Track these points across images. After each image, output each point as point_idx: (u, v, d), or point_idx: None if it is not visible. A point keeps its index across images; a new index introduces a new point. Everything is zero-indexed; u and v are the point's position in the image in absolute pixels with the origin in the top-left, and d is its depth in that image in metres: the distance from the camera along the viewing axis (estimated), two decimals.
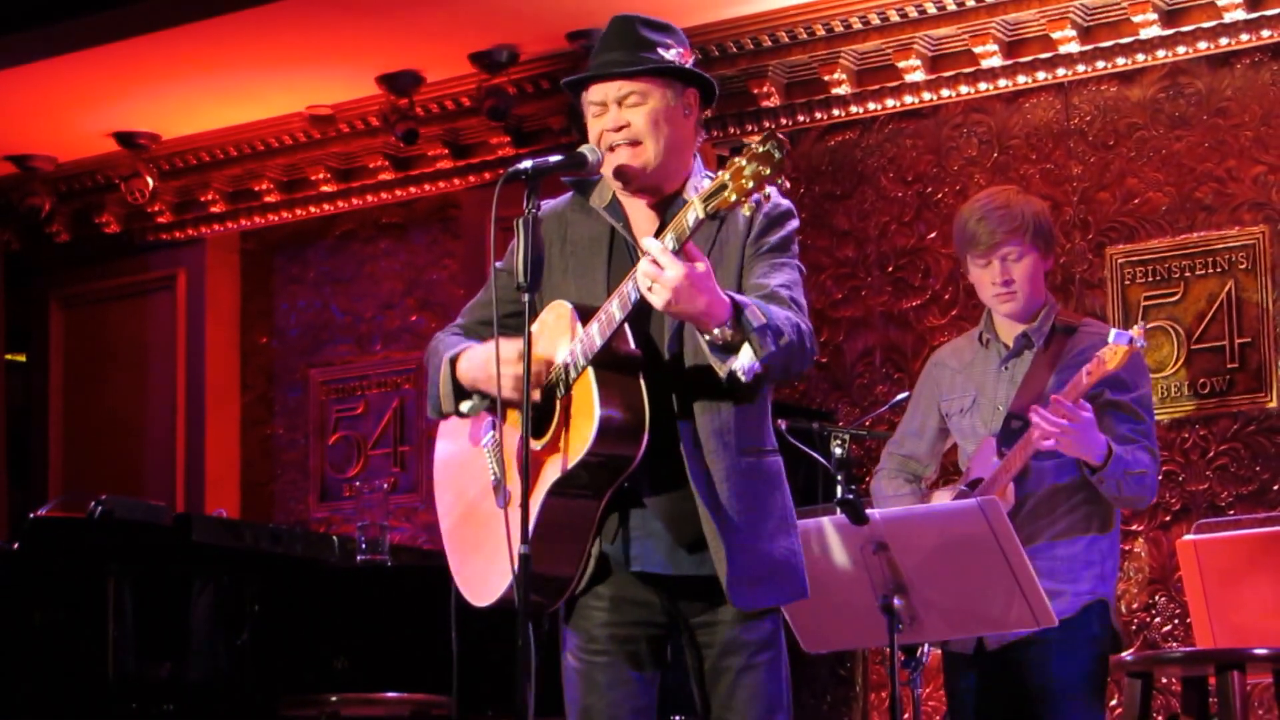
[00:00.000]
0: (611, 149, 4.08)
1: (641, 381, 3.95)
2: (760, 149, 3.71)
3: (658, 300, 3.81)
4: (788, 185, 4.09)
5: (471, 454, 4.25)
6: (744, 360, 3.86)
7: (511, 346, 3.96)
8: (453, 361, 4.15)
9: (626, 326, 3.95)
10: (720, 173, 3.76)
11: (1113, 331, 5.15)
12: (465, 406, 4.17)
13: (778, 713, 4.07)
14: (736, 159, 3.74)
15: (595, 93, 4.11)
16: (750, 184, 3.71)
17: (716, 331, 3.85)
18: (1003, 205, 5.44)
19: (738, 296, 3.88)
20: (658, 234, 3.92)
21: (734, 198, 3.73)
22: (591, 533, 4.04)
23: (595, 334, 3.95)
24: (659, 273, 3.80)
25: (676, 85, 4.10)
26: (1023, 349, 5.40)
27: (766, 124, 7.76)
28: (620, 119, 4.07)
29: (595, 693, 4.10)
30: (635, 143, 4.06)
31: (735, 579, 3.97)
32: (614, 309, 3.93)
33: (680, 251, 3.81)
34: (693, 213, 3.79)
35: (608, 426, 3.90)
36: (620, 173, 4.07)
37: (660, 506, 4.03)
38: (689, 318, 3.86)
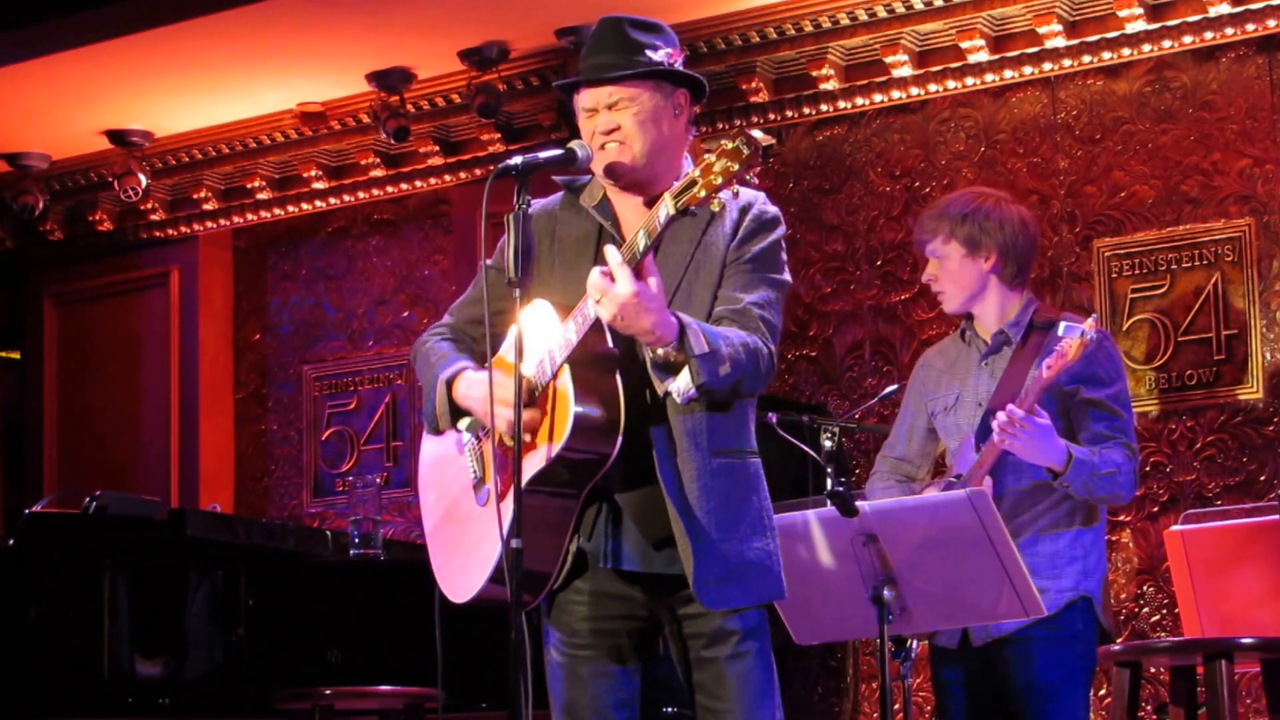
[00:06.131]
0: (602, 147, 4.10)
1: (617, 379, 3.98)
2: (730, 145, 3.74)
3: (604, 314, 3.86)
4: (756, 180, 4.12)
5: (454, 454, 4.27)
6: (681, 384, 3.92)
7: (507, 386, 3.97)
8: (448, 383, 4.18)
9: (605, 324, 3.97)
10: (692, 169, 3.80)
11: (1062, 324, 5.13)
12: (464, 424, 4.21)
13: (767, 698, 4.08)
14: (707, 155, 3.77)
15: (586, 98, 4.12)
16: (719, 180, 3.75)
17: (660, 351, 3.91)
18: (936, 204, 5.48)
19: (686, 319, 3.91)
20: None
21: (703, 193, 3.76)
22: (570, 529, 4.07)
23: (572, 332, 3.98)
24: (609, 286, 3.85)
25: (665, 86, 4.12)
26: (1001, 345, 5.35)
27: (755, 119, 7.79)
28: (610, 121, 4.08)
29: (579, 686, 4.13)
30: (623, 143, 4.08)
31: (701, 578, 3.98)
32: (589, 307, 3.94)
33: (636, 267, 3.85)
34: (663, 209, 3.82)
35: (582, 423, 3.93)
36: (610, 170, 4.10)
37: (632, 505, 4.05)
38: (635, 334, 3.91)
